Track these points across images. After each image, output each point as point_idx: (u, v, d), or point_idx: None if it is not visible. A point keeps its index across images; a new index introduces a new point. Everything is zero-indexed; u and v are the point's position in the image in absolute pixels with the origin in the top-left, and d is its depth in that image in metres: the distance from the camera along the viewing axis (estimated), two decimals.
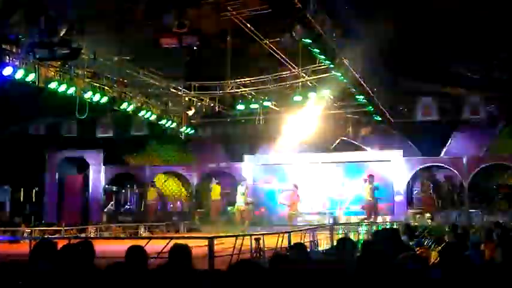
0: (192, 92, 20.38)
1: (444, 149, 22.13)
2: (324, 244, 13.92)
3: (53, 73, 15.73)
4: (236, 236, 10.59)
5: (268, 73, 18.67)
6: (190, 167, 24.31)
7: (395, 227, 17.25)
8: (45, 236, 14.23)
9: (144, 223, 20.20)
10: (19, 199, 24.16)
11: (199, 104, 20.83)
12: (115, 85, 17.92)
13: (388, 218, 20.23)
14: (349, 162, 22.47)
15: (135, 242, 5.78)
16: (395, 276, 4.45)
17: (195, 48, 12.86)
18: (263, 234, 11.65)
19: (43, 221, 21.83)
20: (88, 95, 16.67)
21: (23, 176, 23.21)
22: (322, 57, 14.35)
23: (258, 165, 23.41)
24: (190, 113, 21.04)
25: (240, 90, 19.47)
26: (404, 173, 21.24)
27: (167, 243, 7.27)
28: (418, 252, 10.13)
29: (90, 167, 23.99)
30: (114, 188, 24.19)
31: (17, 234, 17.19)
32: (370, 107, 19.54)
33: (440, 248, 7.22)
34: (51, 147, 24.01)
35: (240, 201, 20.11)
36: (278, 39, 13.32)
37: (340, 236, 13.35)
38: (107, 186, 24.07)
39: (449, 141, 22.11)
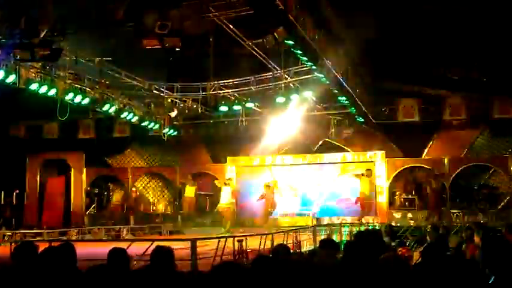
0: (175, 94, 20.31)
1: (426, 150, 22.29)
2: (306, 245, 13.95)
3: (33, 74, 15.59)
4: (219, 238, 10.57)
5: (251, 74, 18.68)
6: (173, 169, 24.24)
7: (377, 227, 17.41)
8: (26, 239, 14.10)
9: (125, 225, 20.11)
10: None
11: (181, 105, 20.76)
12: (97, 86, 17.79)
13: (370, 219, 20.35)
14: (331, 163, 22.60)
15: (117, 245, 5.75)
16: (376, 277, 4.47)
17: (177, 49, 12.82)
18: (246, 236, 11.65)
19: (24, 224, 21.62)
20: (69, 96, 16.54)
21: (3, 178, 22.94)
22: (305, 58, 14.37)
23: (241, 167, 23.43)
24: (173, 114, 20.98)
25: (223, 91, 19.44)
26: (387, 173, 21.40)
27: (149, 246, 7.24)
28: (400, 252, 10.21)
29: (72, 169, 23.80)
30: (96, 190, 24.05)
31: None
32: (353, 109, 19.61)
33: (422, 248, 7.26)
34: (32, 149, 23.77)
35: (225, 200, 20.04)
36: (260, 40, 13.30)
37: (323, 237, 13.41)
38: (88, 188, 23.92)
39: (430, 142, 22.27)
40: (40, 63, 15.22)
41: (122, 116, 19.68)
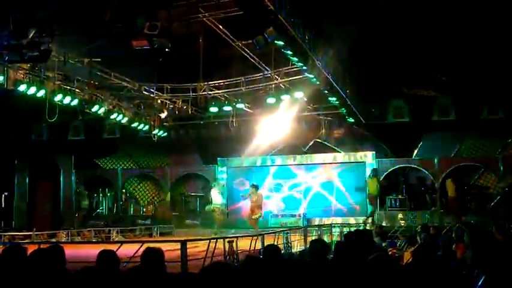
0: (165, 95, 20.24)
1: (416, 150, 22.36)
2: (297, 246, 13.95)
3: (22, 75, 15.50)
4: (209, 239, 10.54)
5: (241, 75, 18.65)
6: (164, 170, 24.19)
7: (368, 228, 17.46)
8: (15, 241, 14.00)
9: (115, 227, 20.03)
10: None
11: (172, 106, 20.69)
12: (86, 87, 17.69)
13: (361, 220, 20.42)
14: (322, 163, 22.63)
15: (107, 247, 5.72)
16: (366, 277, 4.47)
17: (166, 50, 12.77)
18: (236, 237, 11.63)
19: (13, 226, 21.49)
20: (58, 97, 16.45)
21: None
22: (295, 59, 14.36)
23: (232, 168, 23.41)
24: (163, 115, 20.93)
25: (213, 92, 19.39)
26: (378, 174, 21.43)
27: (140, 247, 7.21)
28: (390, 252, 10.24)
29: (61, 171, 23.68)
30: (86, 192, 23.95)
31: None
32: (343, 109, 19.64)
33: (413, 248, 7.27)
34: (21, 151, 23.62)
35: (215, 201, 19.95)
36: (250, 41, 13.28)
37: (314, 238, 13.43)
38: (78, 190, 23.82)
39: (420, 143, 22.34)
40: (29, 65, 15.13)
41: (112, 117, 19.60)
